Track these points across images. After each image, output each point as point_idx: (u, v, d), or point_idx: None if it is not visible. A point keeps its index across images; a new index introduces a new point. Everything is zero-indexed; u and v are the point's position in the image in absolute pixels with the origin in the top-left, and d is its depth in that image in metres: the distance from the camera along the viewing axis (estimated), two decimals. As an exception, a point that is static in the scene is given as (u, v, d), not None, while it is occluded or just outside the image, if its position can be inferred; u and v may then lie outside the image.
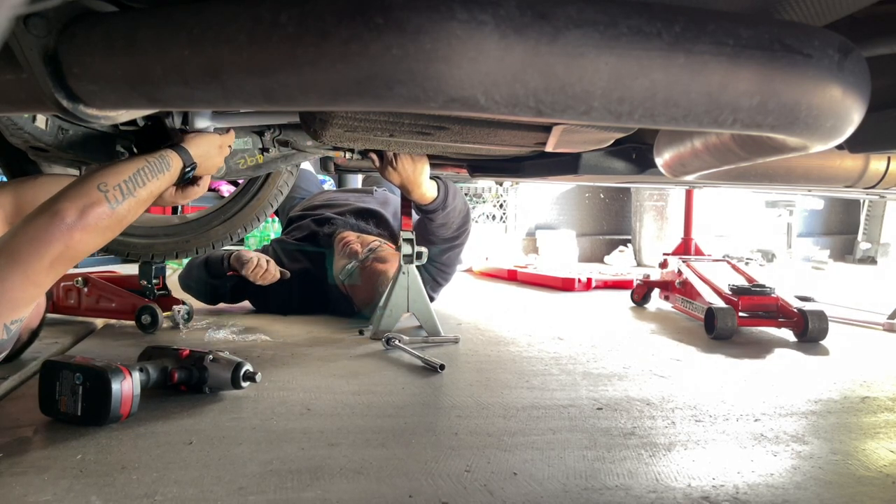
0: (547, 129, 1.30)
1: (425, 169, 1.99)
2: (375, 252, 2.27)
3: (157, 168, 1.24)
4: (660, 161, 1.21)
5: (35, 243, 1.03)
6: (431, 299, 2.43)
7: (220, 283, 2.37)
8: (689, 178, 1.24)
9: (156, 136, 1.51)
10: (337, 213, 2.63)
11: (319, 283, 2.39)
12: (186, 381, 1.33)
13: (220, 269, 2.34)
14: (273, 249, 2.56)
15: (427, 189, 2.06)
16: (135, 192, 1.17)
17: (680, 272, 2.60)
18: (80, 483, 0.94)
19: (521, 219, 5.36)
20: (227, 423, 1.21)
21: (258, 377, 1.36)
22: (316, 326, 2.18)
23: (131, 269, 2.19)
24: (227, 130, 1.50)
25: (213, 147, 1.45)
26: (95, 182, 1.12)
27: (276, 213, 3.04)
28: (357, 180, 4.24)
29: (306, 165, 3.33)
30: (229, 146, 1.56)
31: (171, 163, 1.29)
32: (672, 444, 1.17)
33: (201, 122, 1.45)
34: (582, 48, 0.56)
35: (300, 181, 3.14)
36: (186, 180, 1.37)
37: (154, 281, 2.05)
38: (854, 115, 0.68)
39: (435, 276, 2.41)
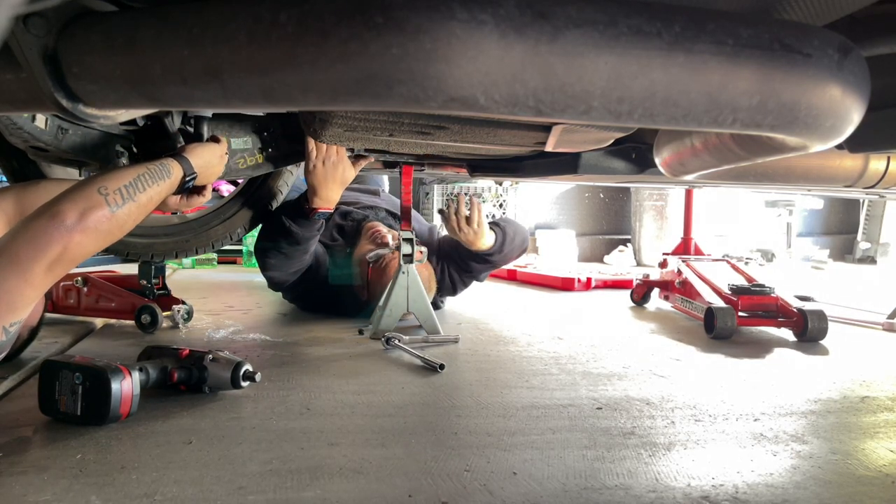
0: (547, 128, 1.30)
1: (485, 224, 2.21)
2: None
3: (157, 175, 1.25)
4: (659, 160, 1.21)
5: (34, 244, 1.02)
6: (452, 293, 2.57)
7: (307, 234, 2.09)
8: (689, 177, 1.24)
9: (156, 137, 1.51)
10: (357, 209, 2.65)
11: (329, 281, 2.39)
12: (186, 380, 1.33)
13: (302, 216, 2.06)
14: None
15: (486, 240, 2.26)
16: (135, 197, 1.17)
17: (679, 272, 2.60)
18: (80, 482, 0.94)
19: (520, 218, 5.36)
20: (226, 423, 1.21)
21: (258, 377, 1.36)
22: (316, 326, 2.18)
23: (131, 269, 2.19)
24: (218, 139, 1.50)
25: (215, 157, 1.46)
26: (96, 185, 1.12)
27: None
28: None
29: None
30: (226, 152, 1.57)
31: (172, 171, 1.30)
32: (672, 443, 1.17)
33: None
34: (582, 48, 0.56)
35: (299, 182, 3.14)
36: (187, 189, 1.38)
37: (154, 280, 2.05)
38: (854, 115, 0.68)
39: (467, 282, 2.54)
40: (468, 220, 2.18)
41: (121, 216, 1.14)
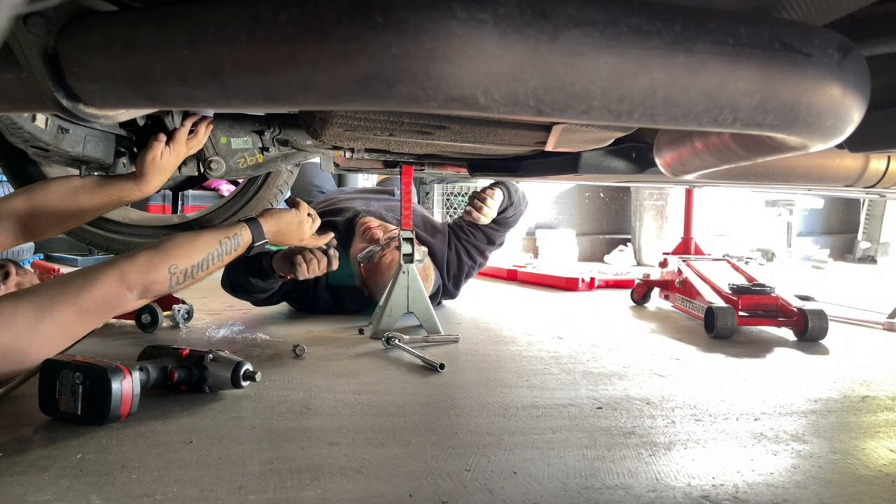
0: (547, 128, 1.30)
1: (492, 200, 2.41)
2: (396, 240, 2.33)
3: (226, 250, 1.32)
4: (660, 160, 1.21)
5: (105, 307, 1.16)
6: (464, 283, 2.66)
7: (267, 287, 2.14)
8: (689, 177, 1.24)
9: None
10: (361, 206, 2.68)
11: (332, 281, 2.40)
12: (186, 380, 1.33)
13: (264, 274, 2.05)
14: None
15: (496, 201, 2.44)
16: (196, 275, 1.26)
17: (680, 271, 2.60)
18: (81, 482, 0.94)
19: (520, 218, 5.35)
20: (227, 423, 1.21)
21: (258, 376, 1.36)
22: (316, 326, 2.19)
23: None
24: (298, 205, 1.53)
25: (293, 223, 1.53)
26: (168, 262, 1.22)
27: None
28: (357, 179, 4.25)
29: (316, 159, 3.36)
30: (308, 214, 1.61)
31: (241, 242, 1.36)
32: (672, 443, 1.17)
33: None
34: (582, 47, 0.56)
35: (314, 178, 3.18)
36: (251, 252, 1.45)
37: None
38: (854, 115, 0.68)
39: (487, 252, 2.67)
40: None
41: (175, 289, 1.26)
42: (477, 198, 2.40)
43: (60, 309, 1.09)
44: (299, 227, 1.57)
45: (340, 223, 2.47)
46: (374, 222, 2.38)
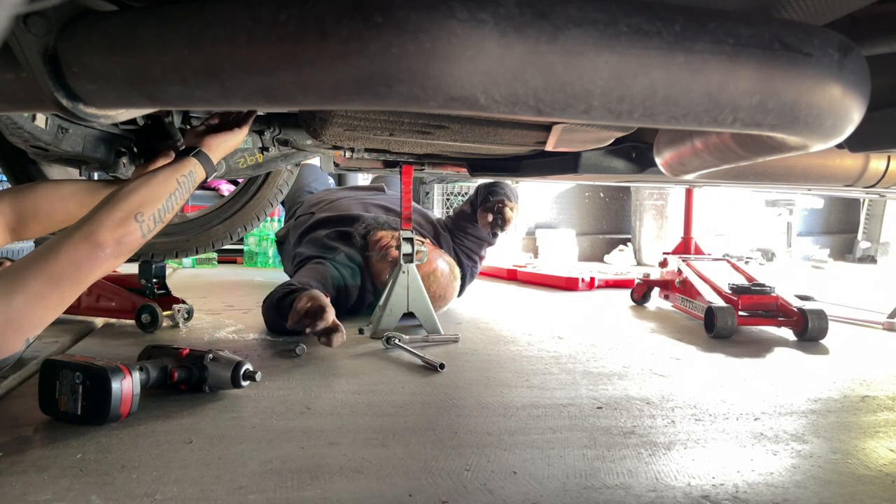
0: (547, 128, 1.30)
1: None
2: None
3: (186, 188, 1.28)
4: (660, 160, 1.21)
5: (77, 271, 1.09)
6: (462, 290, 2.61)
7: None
8: (689, 176, 1.24)
9: (156, 136, 1.51)
10: (362, 210, 2.65)
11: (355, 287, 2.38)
12: (186, 380, 1.33)
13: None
14: (303, 253, 2.45)
15: None
16: (164, 218, 1.23)
17: (680, 271, 2.60)
18: (80, 482, 0.94)
19: (520, 217, 5.35)
20: (226, 423, 1.21)
21: (258, 376, 1.36)
22: (316, 325, 2.18)
23: (131, 268, 2.19)
24: (244, 121, 1.44)
25: (236, 144, 1.46)
26: (133, 211, 1.18)
27: (283, 204, 3.16)
28: (357, 178, 4.25)
29: (315, 161, 3.30)
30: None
31: (197, 178, 1.32)
32: (672, 443, 1.17)
33: None
34: (582, 47, 0.56)
35: (307, 177, 3.17)
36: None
37: (154, 280, 2.05)
38: (854, 114, 0.68)
39: (478, 260, 2.65)
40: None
41: (148, 237, 1.21)
42: (501, 214, 2.38)
43: (30, 281, 1.06)
44: (235, 146, 1.52)
45: (357, 235, 2.43)
46: (385, 236, 2.37)
